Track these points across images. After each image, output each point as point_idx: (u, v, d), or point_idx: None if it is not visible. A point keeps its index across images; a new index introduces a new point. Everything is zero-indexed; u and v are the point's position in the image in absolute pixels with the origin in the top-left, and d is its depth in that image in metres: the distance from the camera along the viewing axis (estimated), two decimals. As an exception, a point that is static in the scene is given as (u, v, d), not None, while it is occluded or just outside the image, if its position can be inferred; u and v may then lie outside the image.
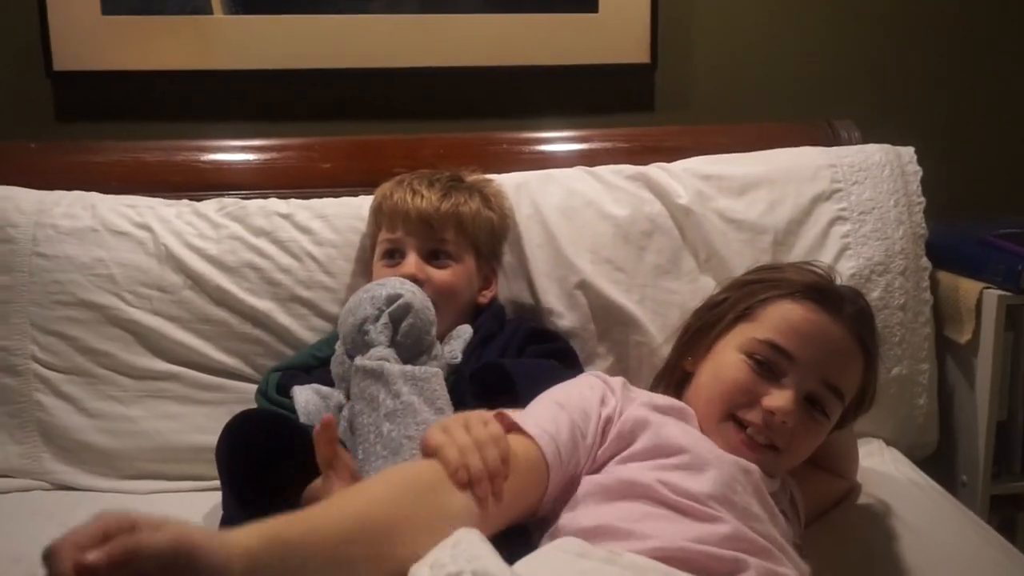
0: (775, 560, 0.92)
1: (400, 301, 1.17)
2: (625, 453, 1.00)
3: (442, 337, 1.28)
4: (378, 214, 1.39)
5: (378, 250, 1.38)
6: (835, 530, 1.22)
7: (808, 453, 1.09)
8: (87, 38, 1.69)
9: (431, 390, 1.10)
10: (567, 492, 0.98)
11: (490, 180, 1.47)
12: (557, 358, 1.26)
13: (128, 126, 1.75)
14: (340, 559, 0.77)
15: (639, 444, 1.00)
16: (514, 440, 0.93)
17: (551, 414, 0.99)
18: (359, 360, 1.12)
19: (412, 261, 1.32)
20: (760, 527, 0.95)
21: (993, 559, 1.16)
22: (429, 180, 1.37)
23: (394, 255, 1.35)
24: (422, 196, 1.33)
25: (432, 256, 1.34)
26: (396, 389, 1.08)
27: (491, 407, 0.99)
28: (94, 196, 1.49)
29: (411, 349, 1.17)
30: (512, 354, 1.27)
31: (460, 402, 1.14)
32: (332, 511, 0.80)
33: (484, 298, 1.41)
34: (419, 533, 0.82)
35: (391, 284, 1.21)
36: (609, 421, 1.02)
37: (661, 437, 1.00)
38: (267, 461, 1.05)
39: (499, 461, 0.89)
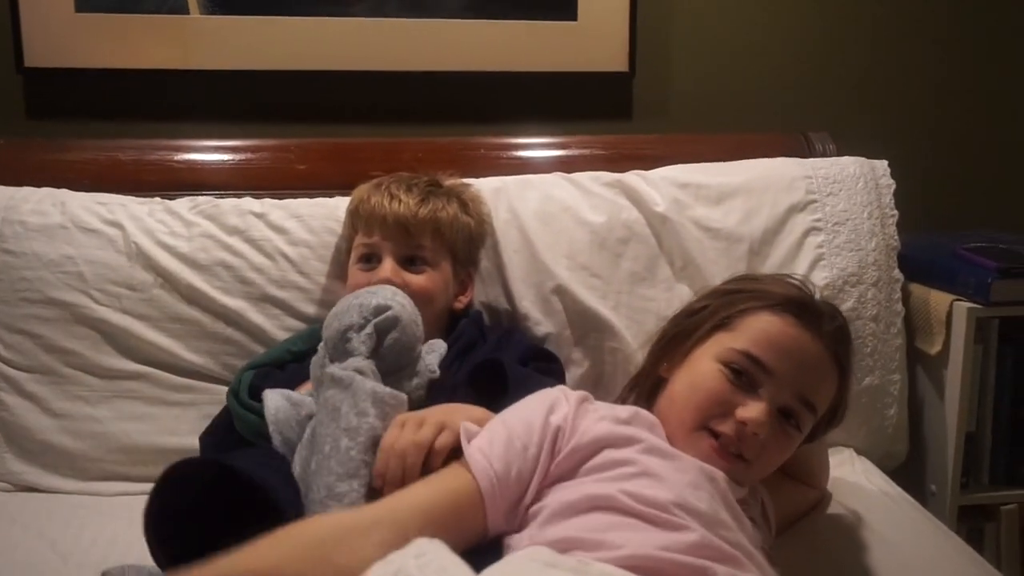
0: (742, 567, 0.92)
1: (388, 313, 1.13)
2: (586, 466, 0.99)
3: None
4: (355, 217, 1.38)
5: (354, 254, 1.37)
6: (805, 539, 1.22)
7: (777, 465, 1.09)
8: (60, 34, 1.68)
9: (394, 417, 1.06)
10: (523, 509, 0.98)
11: (468, 185, 1.47)
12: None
13: (101, 124, 1.73)
14: None
15: (599, 457, 0.99)
16: (453, 470, 0.98)
17: (501, 438, 0.99)
18: (330, 367, 1.09)
19: (388, 266, 1.31)
20: (728, 534, 0.94)
21: (961, 569, 1.16)
22: (407, 184, 1.36)
23: (370, 259, 1.34)
24: (400, 200, 1.32)
25: (408, 262, 1.33)
26: (362, 407, 1.04)
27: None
28: (64, 193, 1.47)
29: (392, 363, 1.14)
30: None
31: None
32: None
33: (460, 303, 1.40)
34: None
35: (382, 294, 1.17)
36: (558, 435, 1.00)
37: (620, 451, 0.99)
38: (204, 522, 0.97)
39: (415, 469, 0.98)
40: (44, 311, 1.38)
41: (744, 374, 1.04)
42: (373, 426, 1.03)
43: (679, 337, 1.15)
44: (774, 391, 1.04)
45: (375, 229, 1.33)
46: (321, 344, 1.19)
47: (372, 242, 1.34)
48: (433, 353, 1.25)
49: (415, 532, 0.86)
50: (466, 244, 1.41)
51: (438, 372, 1.21)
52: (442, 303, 1.36)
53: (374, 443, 1.03)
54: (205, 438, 1.27)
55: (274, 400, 1.14)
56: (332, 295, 1.40)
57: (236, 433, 1.19)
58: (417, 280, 1.32)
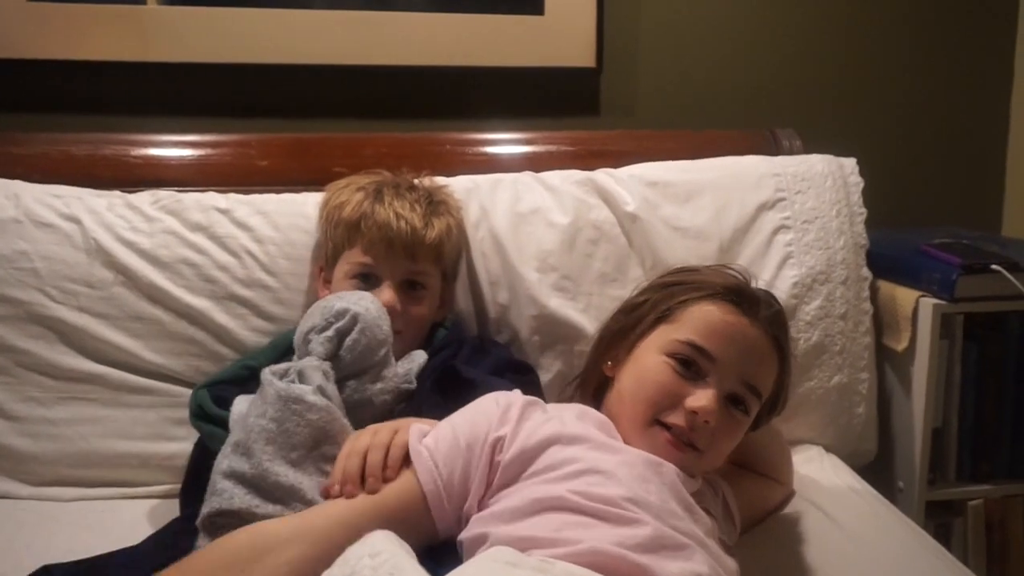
0: (695, 556, 0.92)
1: (348, 315, 1.13)
2: (532, 468, 0.99)
3: (399, 358, 1.24)
4: (353, 231, 1.31)
5: (347, 269, 1.31)
6: (772, 535, 1.23)
7: (727, 452, 1.10)
8: (10, 24, 1.63)
9: (291, 427, 1.03)
10: (467, 513, 0.98)
11: (444, 186, 1.44)
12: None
13: (54, 118, 1.68)
14: None
15: (546, 457, 0.99)
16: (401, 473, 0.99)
17: (447, 439, 1.00)
18: (264, 370, 1.09)
19: (389, 295, 1.26)
20: (679, 523, 0.95)
21: (929, 564, 1.17)
22: (409, 201, 1.32)
23: (368, 279, 1.29)
24: (406, 221, 1.28)
25: (408, 285, 1.30)
26: (263, 408, 1.04)
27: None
28: (18, 184, 1.42)
29: (353, 365, 1.13)
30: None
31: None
32: None
33: (439, 315, 1.38)
34: None
35: (348, 298, 1.17)
36: (499, 441, 1.00)
37: (567, 450, 0.99)
38: None
39: (376, 466, 0.98)
40: (-4, 308, 1.33)
41: (690, 364, 1.06)
42: (265, 427, 1.02)
43: (621, 333, 1.16)
44: (720, 378, 1.06)
45: (379, 251, 1.29)
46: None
47: (372, 264, 1.29)
48: (413, 364, 1.23)
49: (339, 542, 0.87)
50: (455, 262, 1.41)
51: (414, 383, 1.19)
52: (430, 321, 1.34)
53: (268, 442, 1.02)
54: (182, 492, 1.20)
55: (240, 404, 1.12)
56: (302, 296, 1.38)
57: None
58: (417, 309, 1.30)
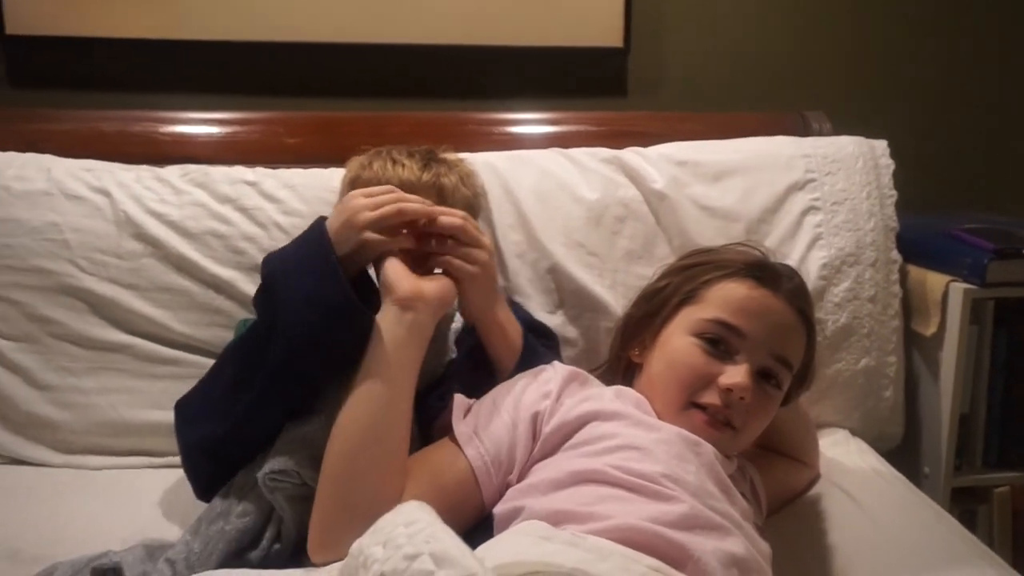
0: (730, 536, 0.91)
1: None
2: (571, 442, 0.99)
3: None
4: (355, 186, 1.31)
5: None
6: (797, 517, 1.22)
7: (761, 429, 1.10)
8: (43, 2, 1.64)
9: None
10: (509, 485, 0.98)
11: (462, 159, 1.44)
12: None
13: (85, 94, 1.70)
14: None
15: (585, 432, 0.99)
16: (448, 448, 1.00)
17: (488, 415, 1.01)
18: None
19: None
20: (715, 504, 0.94)
21: (953, 546, 1.16)
22: (408, 152, 1.33)
23: None
24: (403, 165, 1.28)
25: None
26: None
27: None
28: (49, 159, 1.44)
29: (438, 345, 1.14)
30: None
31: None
32: None
33: None
34: None
35: None
36: (539, 415, 1.01)
37: (605, 425, 1.00)
38: None
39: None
40: (28, 279, 1.34)
41: (719, 342, 1.06)
42: None
43: (645, 319, 1.16)
44: (751, 353, 1.05)
45: None
46: None
47: None
48: (451, 331, 1.23)
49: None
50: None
51: (455, 351, 1.20)
52: None
53: None
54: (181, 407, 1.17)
55: None
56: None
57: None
58: None
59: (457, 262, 1.05)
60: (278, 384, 1.00)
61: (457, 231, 1.06)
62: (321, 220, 1.05)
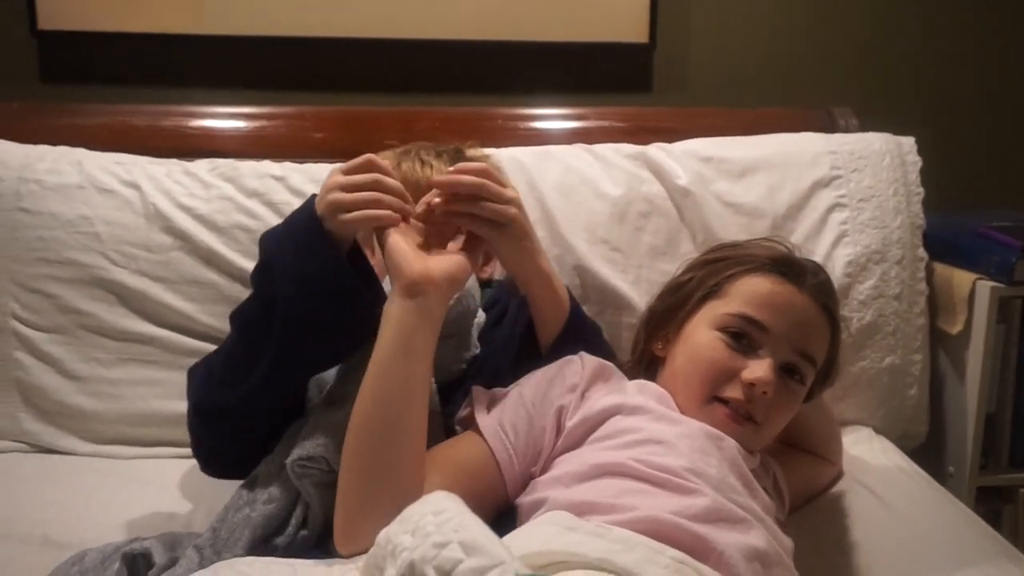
0: (753, 530, 0.92)
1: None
2: (594, 435, 1.00)
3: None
4: None
5: None
6: (820, 513, 1.22)
7: (783, 424, 1.09)
8: (73, -1, 1.65)
9: None
10: (532, 477, 0.99)
11: (488, 156, 1.45)
12: None
13: (115, 89, 1.72)
14: None
15: (608, 425, 1.00)
16: (471, 439, 1.00)
17: (513, 407, 1.01)
18: None
19: None
20: (738, 498, 0.94)
21: (978, 544, 1.15)
22: (436, 151, 1.33)
23: None
24: (431, 167, 1.28)
25: None
26: None
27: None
28: (81, 152, 1.46)
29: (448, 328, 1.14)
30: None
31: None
32: None
33: (485, 274, 1.38)
34: None
35: None
36: (563, 410, 1.01)
37: (628, 419, 1.00)
38: None
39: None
40: (60, 271, 1.37)
41: (743, 336, 1.06)
42: None
43: (669, 313, 1.16)
44: (774, 348, 1.05)
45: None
46: None
47: None
48: (475, 327, 1.23)
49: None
50: None
51: (479, 347, 1.19)
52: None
53: None
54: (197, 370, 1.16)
55: None
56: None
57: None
58: None
59: (482, 227, 1.00)
60: (278, 357, 0.99)
61: (478, 190, 1.00)
62: (313, 197, 1.02)
